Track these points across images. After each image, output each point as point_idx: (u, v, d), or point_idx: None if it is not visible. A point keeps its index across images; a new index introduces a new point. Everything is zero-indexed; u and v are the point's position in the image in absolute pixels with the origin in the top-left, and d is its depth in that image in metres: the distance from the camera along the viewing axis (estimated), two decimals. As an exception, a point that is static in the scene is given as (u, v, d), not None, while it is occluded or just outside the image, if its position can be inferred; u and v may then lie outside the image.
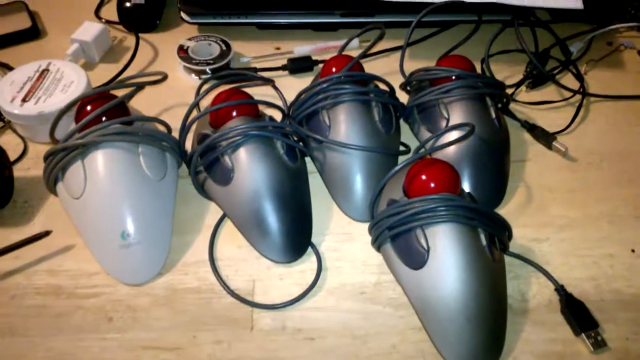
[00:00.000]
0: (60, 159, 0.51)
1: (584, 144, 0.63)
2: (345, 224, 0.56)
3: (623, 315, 0.49)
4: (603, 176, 0.60)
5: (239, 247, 0.54)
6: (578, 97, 0.68)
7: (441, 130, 0.56)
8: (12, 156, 0.60)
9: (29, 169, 0.60)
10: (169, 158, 0.56)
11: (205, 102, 0.62)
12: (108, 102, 0.52)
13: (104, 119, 0.52)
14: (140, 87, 0.56)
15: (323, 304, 0.50)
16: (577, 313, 0.48)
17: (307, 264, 0.53)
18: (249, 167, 0.52)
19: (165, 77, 0.57)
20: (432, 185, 0.49)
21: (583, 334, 0.47)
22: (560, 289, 0.50)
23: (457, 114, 0.58)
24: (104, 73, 0.70)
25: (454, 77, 0.59)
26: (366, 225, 0.54)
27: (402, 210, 0.48)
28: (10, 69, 0.68)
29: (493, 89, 0.59)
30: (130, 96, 0.55)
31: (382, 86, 0.62)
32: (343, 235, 0.55)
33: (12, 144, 0.62)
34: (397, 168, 0.49)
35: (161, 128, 0.57)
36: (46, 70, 0.62)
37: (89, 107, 0.52)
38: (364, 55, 0.60)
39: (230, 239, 0.54)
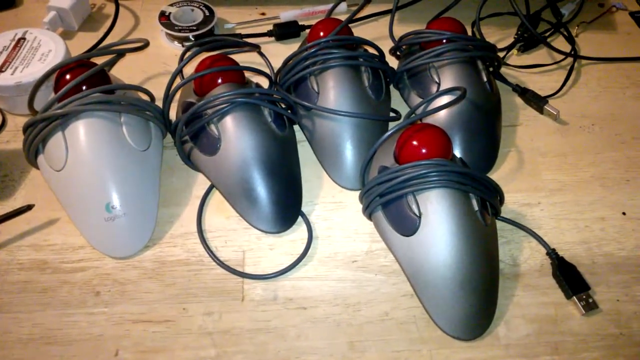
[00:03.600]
0: (39, 130, 0.49)
1: (576, 107, 0.63)
2: (336, 192, 0.55)
3: (614, 278, 0.49)
4: (594, 139, 0.60)
5: (228, 218, 0.53)
6: (569, 60, 0.67)
7: (432, 95, 0.55)
8: (-10, 129, 0.58)
9: (8, 141, 0.58)
10: (153, 128, 0.54)
11: (189, 70, 0.60)
12: (88, 70, 0.50)
13: (84, 87, 0.50)
14: (121, 54, 0.54)
15: (314, 273, 0.49)
16: (568, 276, 0.48)
17: (297, 234, 0.52)
18: (236, 136, 0.51)
19: (146, 44, 0.55)
20: (424, 150, 0.48)
21: (575, 297, 0.47)
22: (551, 253, 0.50)
23: (448, 78, 0.56)
24: (84, 42, 0.67)
25: (444, 40, 0.58)
26: (357, 194, 0.53)
27: (393, 176, 0.47)
28: (-15, 38, 0.66)
29: (484, 52, 0.58)
30: (110, 64, 0.53)
31: (372, 51, 0.60)
32: (333, 204, 0.54)
33: (-11, 117, 0.60)
34: (387, 134, 0.48)
35: (144, 97, 0.56)
36: (22, 39, 0.59)
37: (68, 76, 0.51)
38: (352, 18, 0.58)
39: (219, 209, 0.53)
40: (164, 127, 0.55)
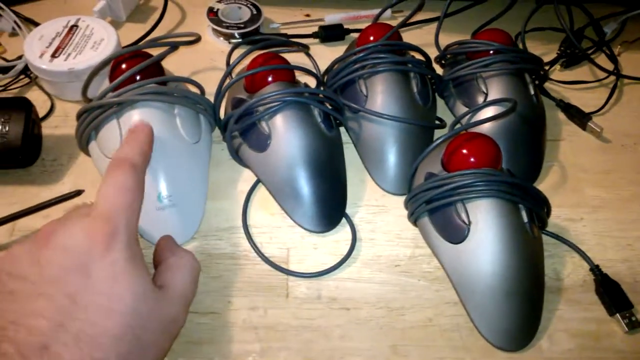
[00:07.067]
0: (94, 117, 0.50)
1: (618, 126, 0.63)
2: (379, 196, 0.55)
3: (656, 298, 0.49)
4: (636, 158, 0.60)
5: (272, 215, 0.53)
6: (612, 78, 0.67)
7: (479, 105, 0.55)
8: (39, 113, 0.58)
9: (57, 126, 0.58)
10: (203, 121, 0.54)
11: (238, 67, 0.60)
12: (144, 61, 0.50)
13: (138, 78, 0.51)
14: (174, 47, 0.54)
15: (358, 274, 0.50)
16: (612, 293, 0.48)
17: (341, 234, 0.52)
18: (287, 134, 0.51)
19: (199, 39, 0.56)
20: (473, 159, 0.48)
21: (618, 314, 0.47)
22: (595, 269, 0.50)
23: (495, 89, 0.57)
24: (131, 33, 0.68)
25: (492, 51, 0.58)
26: (399, 198, 0.54)
27: (442, 183, 0.48)
28: (35, 24, 0.66)
29: (533, 65, 0.58)
30: (164, 56, 0.53)
31: (418, 58, 0.60)
32: (377, 207, 0.54)
33: (38, 101, 0.60)
34: (439, 141, 0.48)
35: (194, 90, 0.56)
36: (75, 26, 0.60)
37: (124, 65, 0.51)
38: (404, 24, 0.59)
39: (264, 206, 0.53)
40: (214, 120, 0.55)
